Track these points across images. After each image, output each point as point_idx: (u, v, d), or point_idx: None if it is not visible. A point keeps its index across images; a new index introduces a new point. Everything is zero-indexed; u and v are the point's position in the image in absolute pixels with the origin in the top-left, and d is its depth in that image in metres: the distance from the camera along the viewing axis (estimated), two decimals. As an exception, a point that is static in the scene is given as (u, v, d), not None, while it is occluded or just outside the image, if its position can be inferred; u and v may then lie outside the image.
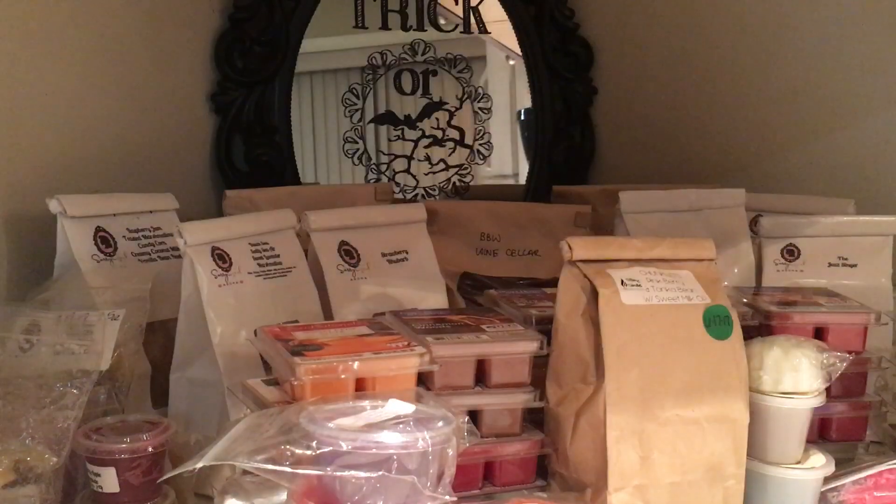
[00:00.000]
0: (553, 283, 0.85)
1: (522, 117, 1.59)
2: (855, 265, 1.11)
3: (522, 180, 1.57)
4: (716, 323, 0.80)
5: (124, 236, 1.00)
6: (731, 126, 1.42)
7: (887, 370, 0.99)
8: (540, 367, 0.84)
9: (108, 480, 0.81)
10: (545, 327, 0.85)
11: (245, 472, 0.71)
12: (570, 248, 0.82)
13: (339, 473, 0.62)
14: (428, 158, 1.49)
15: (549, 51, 1.55)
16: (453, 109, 1.51)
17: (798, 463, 0.83)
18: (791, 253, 1.11)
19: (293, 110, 1.37)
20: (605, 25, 1.54)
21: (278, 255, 0.96)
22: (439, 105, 1.49)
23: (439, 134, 1.50)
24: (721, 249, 0.89)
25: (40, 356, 0.87)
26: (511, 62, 1.58)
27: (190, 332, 0.91)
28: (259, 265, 0.94)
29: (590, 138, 1.60)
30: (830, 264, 1.12)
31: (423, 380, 0.78)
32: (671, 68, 1.47)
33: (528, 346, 0.83)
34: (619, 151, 1.55)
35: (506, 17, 1.53)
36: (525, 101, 1.57)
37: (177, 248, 0.90)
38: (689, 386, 0.78)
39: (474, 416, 0.81)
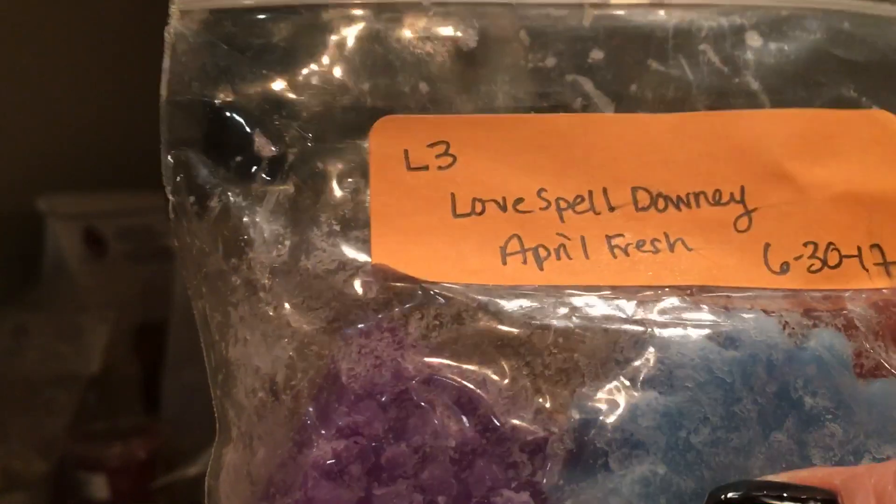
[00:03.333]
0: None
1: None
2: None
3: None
4: None
5: (115, 236, 1.00)
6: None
7: None
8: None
9: (99, 487, 0.83)
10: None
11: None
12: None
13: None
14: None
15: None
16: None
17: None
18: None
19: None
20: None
21: (274, 256, 0.97)
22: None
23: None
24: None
25: (28, 359, 0.88)
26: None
27: (183, 336, 0.91)
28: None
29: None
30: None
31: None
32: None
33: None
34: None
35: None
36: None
37: (169, 249, 0.91)
38: None
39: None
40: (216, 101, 0.30)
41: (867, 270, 0.31)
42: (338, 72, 0.31)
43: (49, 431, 0.84)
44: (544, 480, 0.28)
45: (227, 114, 0.30)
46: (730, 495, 0.26)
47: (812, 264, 0.31)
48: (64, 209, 0.97)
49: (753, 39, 0.33)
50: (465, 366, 0.29)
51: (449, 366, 0.29)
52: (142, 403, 0.97)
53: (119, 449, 0.82)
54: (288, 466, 0.28)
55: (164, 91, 0.30)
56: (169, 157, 0.30)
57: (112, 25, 1.05)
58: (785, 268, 0.31)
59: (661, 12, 0.32)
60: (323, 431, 0.28)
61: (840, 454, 0.29)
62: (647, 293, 0.30)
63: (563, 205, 0.30)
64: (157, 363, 0.94)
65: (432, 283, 0.29)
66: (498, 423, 0.28)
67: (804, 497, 0.26)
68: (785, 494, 0.26)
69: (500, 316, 0.29)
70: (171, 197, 0.29)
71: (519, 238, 0.30)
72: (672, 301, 0.30)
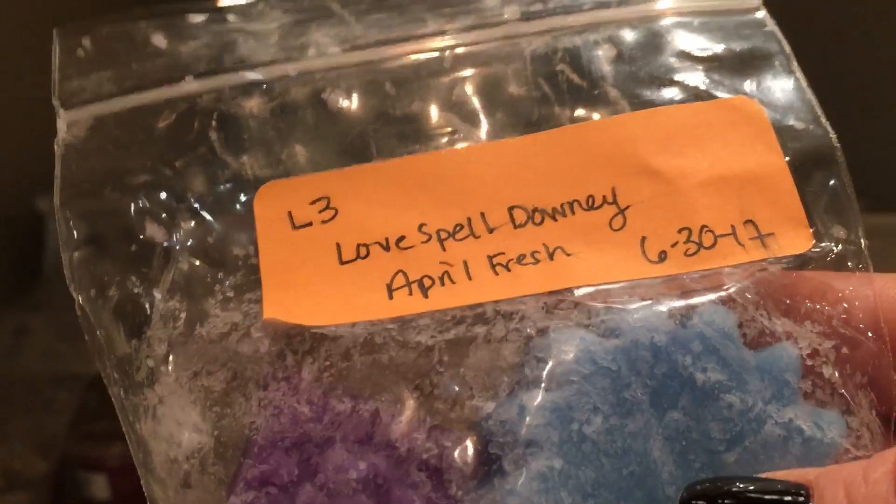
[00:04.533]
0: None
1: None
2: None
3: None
4: None
5: (115, 236, 1.01)
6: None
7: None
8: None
9: (99, 487, 0.85)
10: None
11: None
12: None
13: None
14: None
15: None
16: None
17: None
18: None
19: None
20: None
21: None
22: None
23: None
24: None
25: (29, 359, 0.90)
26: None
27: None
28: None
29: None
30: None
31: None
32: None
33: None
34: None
35: None
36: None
37: (169, 248, 0.92)
38: None
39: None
40: (107, 199, 0.33)
41: (743, 245, 0.33)
42: (217, 150, 0.33)
43: (49, 431, 0.86)
44: (444, 495, 0.30)
45: (119, 207, 0.33)
46: (701, 488, 0.28)
47: (688, 248, 0.33)
48: (64, 210, 0.97)
49: (608, 52, 0.35)
50: (358, 398, 0.30)
51: (343, 401, 0.30)
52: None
53: (119, 449, 0.83)
54: None
55: (56, 199, 0.33)
56: (70, 258, 0.32)
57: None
58: (662, 256, 0.32)
59: (518, 42, 0.34)
60: (235, 487, 0.30)
61: (741, 423, 0.30)
62: (527, 300, 0.31)
63: (443, 235, 0.33)
64: (157, 363, 0.95)
65: (320, 326, 0.31)
66: (394, 448, 0.29)
67: (777, 488, 0.27)
68: (757, 486, 0.28)
69: (386, 345, 0.31)
70: (74, 294, 0.32)
71: (404, 273, 0.32)
72: (551, 304, 0.31)
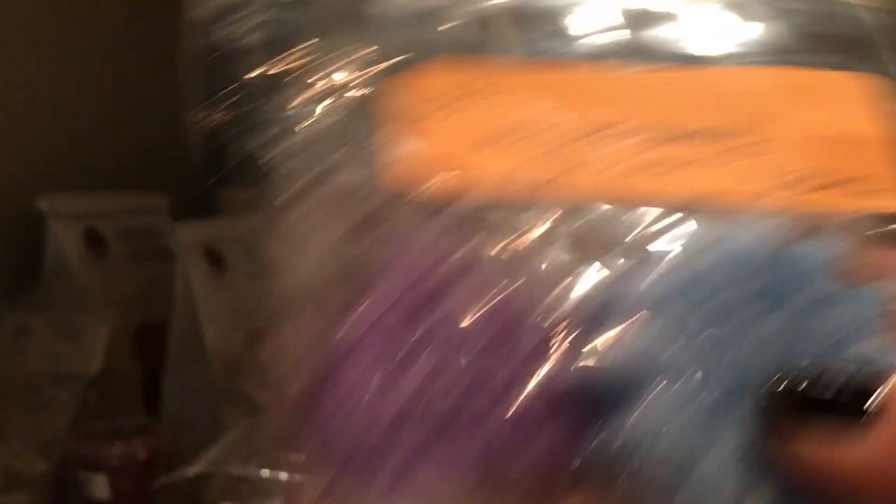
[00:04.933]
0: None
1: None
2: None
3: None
4: None
5: (116, 236, 1.02)
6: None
7: None
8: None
9: (99, 487, 0.84)
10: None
11: (240, 479, 0.74)
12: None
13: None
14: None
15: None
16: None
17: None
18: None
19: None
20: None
21: (275, 257, 0.98)
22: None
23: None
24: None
25: (29, 359, 0.90)
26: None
27: (184, 336, 0.93)
28: (255, 266, 0.96)
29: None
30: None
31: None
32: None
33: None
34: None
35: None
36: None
37: (169, 249, 0.92)
38: None
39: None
40: None
41: (852, 196, 0.35)
42: None
43: (50, 431, 0.86)
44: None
45: None
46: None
47: (803, 188, 0.35)
48: (64, 209, 0.99)
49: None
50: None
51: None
52: (142, 403, 0.99)
53: (119, 449, 0.84)
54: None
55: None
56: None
57: (112, 28, 1.07)
58: (778, 190, 0.35)
59: None
60: (351, 320, 0.31)
61: (822, 349, 0.31)
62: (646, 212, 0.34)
63: (582, 132, 0.35)
64: (157, 363, 0.96)
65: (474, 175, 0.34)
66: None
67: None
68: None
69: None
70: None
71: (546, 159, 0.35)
72: (666, 216, 0.34)
